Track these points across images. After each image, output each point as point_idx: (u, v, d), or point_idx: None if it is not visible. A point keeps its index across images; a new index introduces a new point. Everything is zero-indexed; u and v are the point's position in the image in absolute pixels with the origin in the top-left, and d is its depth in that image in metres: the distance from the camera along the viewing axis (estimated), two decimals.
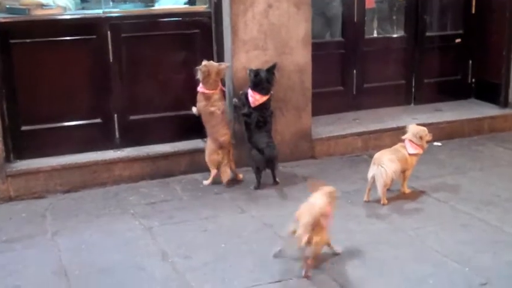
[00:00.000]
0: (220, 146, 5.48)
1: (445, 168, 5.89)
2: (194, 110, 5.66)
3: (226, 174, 5.50)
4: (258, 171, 5.44)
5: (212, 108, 5.49)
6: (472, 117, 6.96)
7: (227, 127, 5.59)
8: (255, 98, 5.44)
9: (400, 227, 4.52)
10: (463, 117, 6.92)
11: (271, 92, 5.53)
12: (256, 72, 5.46)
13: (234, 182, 5.59)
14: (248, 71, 5.53)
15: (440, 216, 4.85)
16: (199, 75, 5.44)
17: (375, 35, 7.55)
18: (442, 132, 6.69)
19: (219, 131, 5.49)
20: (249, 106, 5.46)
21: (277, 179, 5.53)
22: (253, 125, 5.45)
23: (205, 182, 5.58)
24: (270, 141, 5.44)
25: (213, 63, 5.51)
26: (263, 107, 5.46)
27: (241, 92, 5.62)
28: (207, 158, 5.56)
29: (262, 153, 5.34)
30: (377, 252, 4.25)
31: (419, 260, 4.14)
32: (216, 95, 5.52)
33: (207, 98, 5.49)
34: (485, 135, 6.90)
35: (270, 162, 5.42)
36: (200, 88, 5.51)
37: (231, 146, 5.58)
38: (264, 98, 5.46)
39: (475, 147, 6.55)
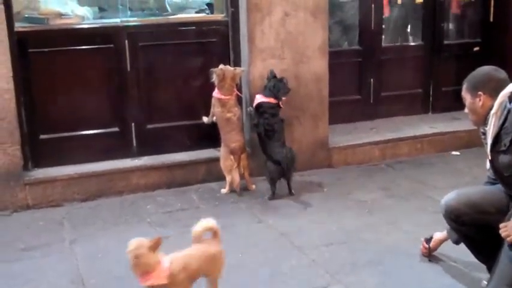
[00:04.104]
0: (232, 152, 5.49)
1: (463, 178, 5.83)
2: (205, 119, 5.68)
3: (235, 180, 5.49)
4: (272, 182, 5.43)
5: (229, 115, 5.50)
6: None
7: (240, 134, 5.60)
8: (256, 98, 5.49)
9: (417, 237, 4.48)
10: None
11: (280, 101, 5.50)
12: (273, 75, 5.53)
13: (246, 190, 5.62)
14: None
15: None
16: (214, 78, 5.45)
17: (392, 43, 7.54)
18: (460, 141, 6.66)
19: (232, 138, 5.50)
20: (256, 113, 5.49)
21: (292, 191, 5.51)
22: (262, 134, 5.44)
23: (223, 191, 5.58)
24: (285, 151, 5.41)
25: (229, 68, 5.53)
26: (268, 113, 5.44)
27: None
28: (221, 164, 5.57)
29: (278, 164, 5.34)
30: (394, 262, 4.23)
31: (438, 270, 4.11)
32: (232, 100, 5.54)
33: (223, 104, 5.50)
34: None
35: (285, 173, 5.40)
36: (216, 94, 5.52)
37: (244, 152, 5.58)
38: (264, 99, 5.45)
39: None
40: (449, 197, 3.77)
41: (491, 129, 3.40)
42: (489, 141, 3.42)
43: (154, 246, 3.26)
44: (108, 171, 5.55)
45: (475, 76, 3.59)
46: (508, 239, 3.30)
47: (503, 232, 3.33)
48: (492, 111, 3.38)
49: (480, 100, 3.48)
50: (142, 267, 3.24)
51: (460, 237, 3.86)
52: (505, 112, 3.32)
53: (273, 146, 5.42)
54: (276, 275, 4.07)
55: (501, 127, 3.34)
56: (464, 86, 3.61)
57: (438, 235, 4.15)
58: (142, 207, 5.31)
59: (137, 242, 3.25)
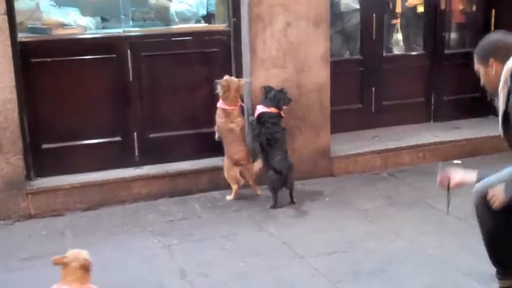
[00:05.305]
0: (236, 163, 5.50)
1: (465, 186, 5.82)
2: (217, 135, 5.68)
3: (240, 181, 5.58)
4: (274, 191, 5.43)
5: (232, 125, 5.52)
6: (492, 135, 6.90)
7: (243, 144, 5.61)
8: (257, 109, 5.52)
9: (419, 245, 4.49)
10: (483, 134, 6.87)
11: (281, 110, 5.54)
12: (269, 89, 5.57)
13: (249, 199, 5.63)
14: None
15: (460, 234, 4.79)
16: (218, 89, 5.47)
17: (394, 52, 7.55)
18: (462, 150, 6.66)
19: (235, 148, 5.52)
20: (257, 122, 5.52)
21: (294, 200, 5.51)
22: (264, 144, 5.46)
23: (229, 197, 5.60)
24: (285, 159, 5.43)
25: (234, 79, 5.54)
26: (270, 122, 5.47)
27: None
28: (225, 175, 5.59)
29: (278, 173, 5.35)
30: (397, 270, 4.22)
31: (440, 279, 4.10)
32: (236, 111, 5.55)
33: (227, 114, 5.52)
34: (505, 153, 6.82)
35: (286, 182, 5.41)
36: (221, 104, 5.53)
37: (249, 162, 5.59)
38: (266, 109, 5.48)
39: (495, 165, 6.47)
40: (482, 182, 3.64)
41: (500, 107, 3.39)
42: (500, 119, 3.41)
43: (85, 267, 3.22)
44: (111, 181, 5.55)
45: (484, 45, 3.57)
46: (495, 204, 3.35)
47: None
48: (499, 87, 3.37)
49: (492, 68, 3.46)
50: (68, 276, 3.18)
51: (488, 228, 3.62)
52: (507, 90, 3.32)
53: (275, 155, 5.42)
54: (277, 284, 4.07)
55: (506, 105, 3.32)
56: (475, 58, 3.58)
57: (464, 175, 3.80)
58: (145, 217, 5.31)
59: (76, 253, 3.25)
